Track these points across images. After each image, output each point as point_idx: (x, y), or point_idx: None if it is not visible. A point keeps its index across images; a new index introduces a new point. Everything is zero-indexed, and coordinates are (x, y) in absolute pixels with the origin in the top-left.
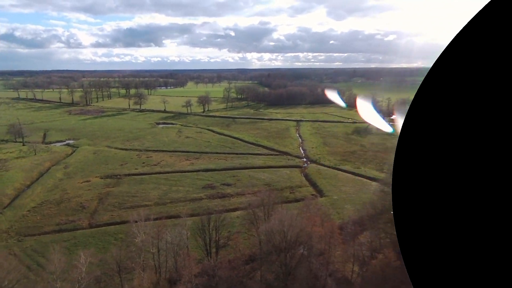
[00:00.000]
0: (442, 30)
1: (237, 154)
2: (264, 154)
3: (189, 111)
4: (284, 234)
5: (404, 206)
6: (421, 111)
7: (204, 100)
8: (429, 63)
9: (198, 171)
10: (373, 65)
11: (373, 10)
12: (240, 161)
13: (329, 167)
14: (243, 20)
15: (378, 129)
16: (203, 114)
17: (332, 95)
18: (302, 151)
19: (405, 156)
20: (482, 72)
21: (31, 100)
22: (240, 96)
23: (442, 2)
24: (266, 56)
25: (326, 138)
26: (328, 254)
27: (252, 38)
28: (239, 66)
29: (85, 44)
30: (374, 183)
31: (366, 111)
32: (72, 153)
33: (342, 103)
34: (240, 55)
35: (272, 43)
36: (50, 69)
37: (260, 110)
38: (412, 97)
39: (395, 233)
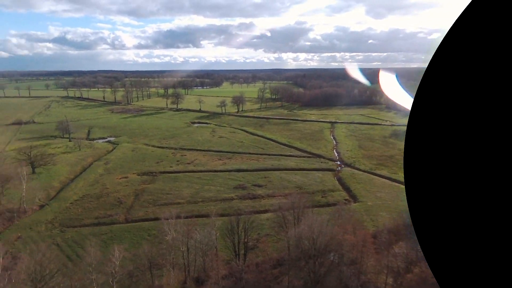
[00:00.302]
0: None
1: (269, 155)
2: (296, 156)
3: (223, 111)
4: (313, 241)
5: (419, 206)
6: (422, 108)
7: (238, 100)
8: None
9: (230, 171)
10: (414, 65)
11: (415, 8)
12: (272, 162)
13: (364, 171)
14: (279, 20)
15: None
16: (237, 114)
17: (354, 72)
18: (336, 154)
19: (413, 154)
20: (476, 65)
21: (78, 98)
22: (274, 97)
23: None
24: (302, 56)
25: (362, 141)
26: (360, 264)
27: (288, 38)
28: (274, 67)
29: (128, 46)
30: None
31: (390, 86)
32: (112, 150)
33: (365, 81)
34: (276, 55)
35: (308, 43)
36: (96, 70)
37: (294, 111)
38: None
39: None
